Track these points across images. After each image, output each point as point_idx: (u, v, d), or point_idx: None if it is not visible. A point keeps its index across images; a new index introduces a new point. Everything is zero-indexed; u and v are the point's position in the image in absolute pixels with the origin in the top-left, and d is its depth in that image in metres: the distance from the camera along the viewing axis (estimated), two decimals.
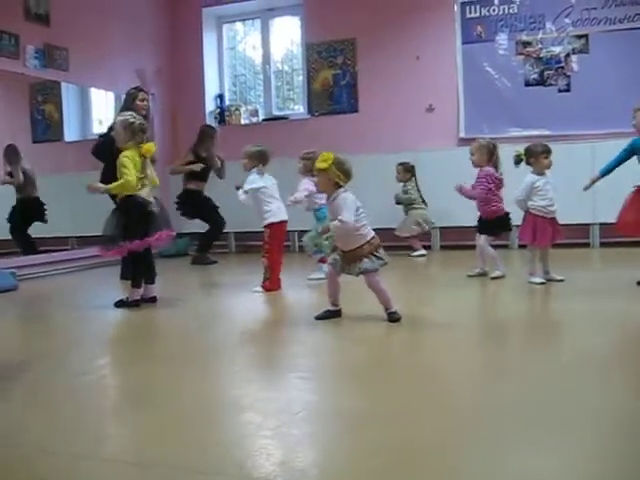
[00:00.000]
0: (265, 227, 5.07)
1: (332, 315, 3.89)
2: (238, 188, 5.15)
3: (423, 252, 7.28)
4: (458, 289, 5.01)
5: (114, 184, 4.57)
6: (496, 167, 5.39)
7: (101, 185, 4.77)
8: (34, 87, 8.01)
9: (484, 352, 3.25)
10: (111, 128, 5.95)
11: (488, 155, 5.38)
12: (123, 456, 2.03)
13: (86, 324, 4.34)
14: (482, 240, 5.37)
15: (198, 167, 7.34)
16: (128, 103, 6.07)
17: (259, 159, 5.14)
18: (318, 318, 3.86)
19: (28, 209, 7.47)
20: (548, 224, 4.87)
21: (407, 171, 7.38)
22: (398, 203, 7.41)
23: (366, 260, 3.74)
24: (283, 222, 5.11)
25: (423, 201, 7.39)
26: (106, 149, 5.32)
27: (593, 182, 4.84)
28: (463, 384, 2.62)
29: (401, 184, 7.40)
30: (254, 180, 5.06)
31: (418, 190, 7.40)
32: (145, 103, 6.07)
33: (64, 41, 7.22)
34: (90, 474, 1.92)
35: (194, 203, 7.50)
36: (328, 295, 3.94)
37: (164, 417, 2.35)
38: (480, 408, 2.31)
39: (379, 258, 3.78)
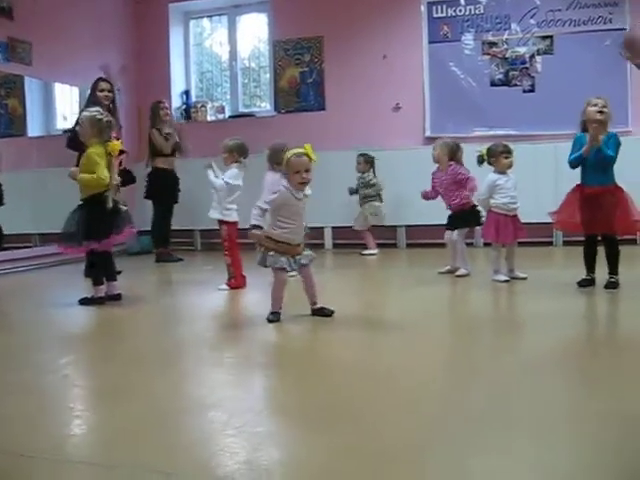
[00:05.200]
0: (222, 224, 5.05)
1: (280, 317, 3.84)
2: (210, 167, 5.10)
3: (374, 251, 7.34)
4: (422, 287, 5.04)
5: (87, 175, 4.49)
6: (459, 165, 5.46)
7: (76, 170, 4.67)
8: None
9: (447, 351, 3.28)
10: (78, 122, 5.91)
11: (449, 154, 5.48)
12: (86, 457, 2.01)
13: (49, 322, 4.29)
14: (455, 235, 5.42)
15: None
16: (91, 94, 6.07)
17: (240, 152, 5.12)
18: (271, 321, 3.79)
19: None
20: (510, 222, 4.94)
21: (367, 162, 7.44)
22: (353, 193, 7.43)
23: (307, 249, 3.91)
24: (237, 222, 5.10)
25: (379, 195, 7.44)
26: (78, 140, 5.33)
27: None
28: (427, 383, 2.63)
29: (358, 174, 7.44)
30: (237, 176, 5.05)
31: (376, 179, 7.44)
32: (106, 93, 6.05)
33: (28, 35, 7.11)
34: (52, 475, 1.89)
35: (162, 184, 7.35)
36: (279, 298, 3.87)
37: (128, 417, 2.33)
38: (445, 408, 2.33)
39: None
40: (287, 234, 3.81)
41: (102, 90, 6.06)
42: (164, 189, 7.34)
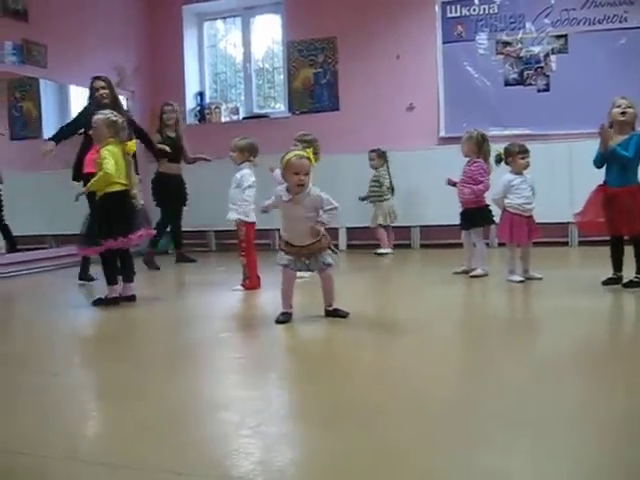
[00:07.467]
0: (240, 225, 5.02)
1: (290, 318, 3.81)
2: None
3: (389, 251, 7.32)
4: (437, 287, 5.02)
5: (94, 180, 4.54)
6: (485, 159, 5.42)
7: (84, 188, 4.76)
8: (12, 83, 7.93)
9: (460, 352, 3.26)
10: (79, 117, 5.92)
11: (476, 146, 5.43)
12: (97, 457, 2.00)
13: (63, 323, 4.30)
14: (473, 236, 5.40)
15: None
16: (90, 95, 6.02)
17: (250, 152, 5.11)
18: (279, 322, 3.75)
19: None
20: (524, 222, 4.91)
21: (380, 157, 7.44)
22: (364, 199, 7.43)
23: (326, 253, 3.79)
24: (255, 223, 5.08)
25: (392, 189, 7.44)
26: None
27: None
28: (438, 383, 2.62)
29: (374, 171, 7.43)
30: (249, 175, 5.03)
31: (389, 176, 7.45)
32: (101, 92, 5.95)
33: (43, 37, 7.15)
34: (63, 475, 1.89)
35: (163, 188, 7.31)
36: (287, 296, 3.86)
37: (140, 417, 2.33)
38: (454, 408, 2.31)
39: (334, 252, 3.86)
40: (285, 233, 3.85)
41: (97, 89, 5.94)
42: (165, 194, 7.30)
